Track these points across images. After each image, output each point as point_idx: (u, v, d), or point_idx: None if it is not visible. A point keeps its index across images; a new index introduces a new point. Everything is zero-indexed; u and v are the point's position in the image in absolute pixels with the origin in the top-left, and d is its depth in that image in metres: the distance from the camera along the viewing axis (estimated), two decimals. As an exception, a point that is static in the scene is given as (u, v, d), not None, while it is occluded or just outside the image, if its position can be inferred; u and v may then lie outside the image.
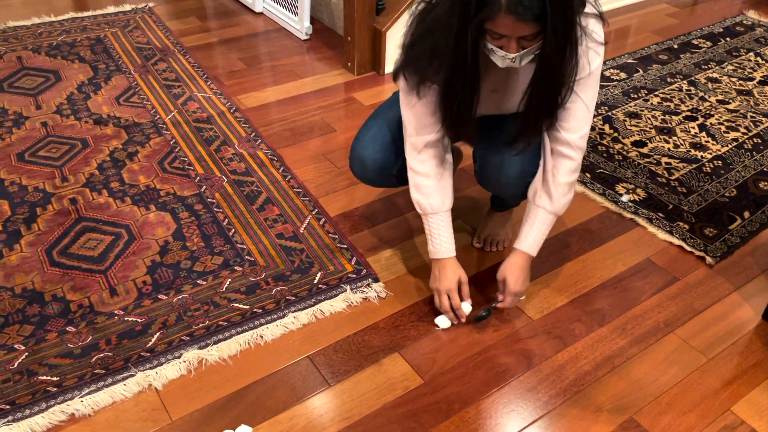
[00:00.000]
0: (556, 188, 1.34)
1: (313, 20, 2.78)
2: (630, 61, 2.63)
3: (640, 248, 1.71)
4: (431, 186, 1.39)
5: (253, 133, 2.08)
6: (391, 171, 1.49)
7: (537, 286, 1.58)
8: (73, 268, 1.55)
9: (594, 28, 1.19)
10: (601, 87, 2.42)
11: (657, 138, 2.14)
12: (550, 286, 1.58)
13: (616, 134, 2.15)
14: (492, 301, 1.48)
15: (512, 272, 1.40)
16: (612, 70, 2.55)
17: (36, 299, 1.46)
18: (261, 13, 2.93)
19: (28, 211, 1.71)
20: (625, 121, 2.22)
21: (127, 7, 2.92)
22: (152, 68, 2.43)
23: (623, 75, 2.52)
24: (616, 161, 2.02)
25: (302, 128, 2.15)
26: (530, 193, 1.40)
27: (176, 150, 1.98)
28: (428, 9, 1.18)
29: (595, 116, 2.24)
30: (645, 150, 2.07)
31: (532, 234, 1.39)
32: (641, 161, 2.02)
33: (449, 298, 1.43)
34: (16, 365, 1.31)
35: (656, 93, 2.40)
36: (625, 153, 2.06)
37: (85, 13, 2.85)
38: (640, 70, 2.57)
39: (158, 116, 2.14)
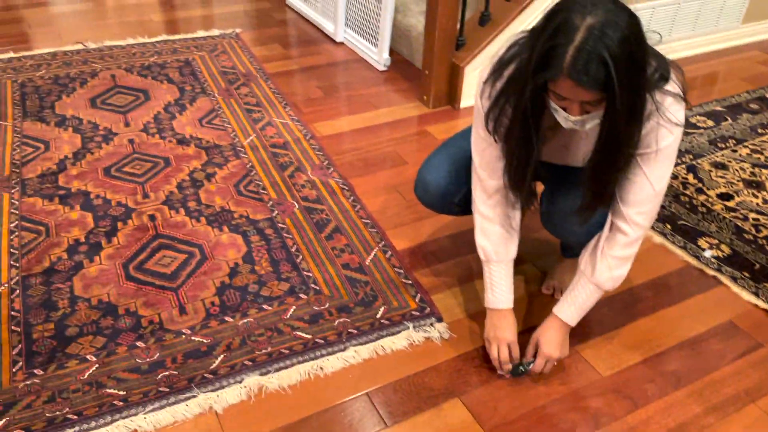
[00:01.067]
0: (603, 259, 1.29)
1: (391, 52, 2.82)
2: (718, 108, 2.53)
3: (721, 309, 1.62)
4: (498, 233, 1.37)
5: (327, 161, 2.11)
6: (452, 198, 1.49)
7: (607, 341, 1.51)
8: (147, 283, 1.60)
9: (671, 107, 1.15)
10: (687, 134, 2.33)
11: (745, 191, 2.03)
12: (622, 342, 1.51)
13: (700, 185, 2.05)
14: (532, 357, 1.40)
15: (546, 335, 1.36)
16: (698, 117, 2.45)
17: (110, 312, 1.51)
18: (341, 43, 3.00)
19: (110, 225, 1.79)
20: (711, 171, 2.13)
21: (216, 32, 3.05)
22: (235, 92, 2.51)
23: (710, 123, 2.42)
24: (699, 213, 1.92)
25: (374, 159, 2.16)
26: (579, 262, 1.35)
27: (252, 173, 2.03)
28: (510, 58, 1.18)
29: (678, 164, 2.15)
30: (731, 203, 1.97)
31: (570, 300, 1.35)
32: (727, 215, 1.92)
33: (508, 349, 1.38)
34: (86, 376, 1.36)
35: (745, 144, 2.29)
36: (709, 205, 1.96)
37: (177, 36, 2.99)
38: (729, 118, 2.46)
39: (237, 139, 2.21)
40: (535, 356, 1.38)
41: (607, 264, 1.29)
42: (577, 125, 1.12)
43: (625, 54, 0.98)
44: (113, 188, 1.94)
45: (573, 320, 1.36)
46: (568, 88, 1.04)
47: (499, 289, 1.39)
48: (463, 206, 1.50)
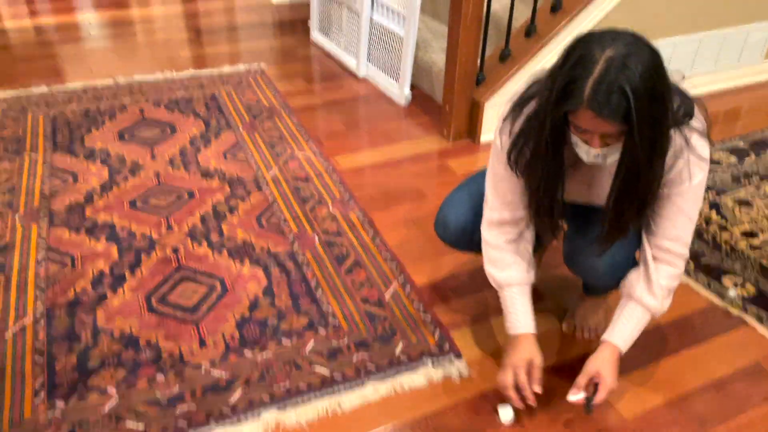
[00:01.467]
0: (659, 290, 1.29)
1: (412, 87, 2.85)
2: (741, 144, 2.51)
3: (747, 350, 1.58)
4: (506, 259, 1.37)
5: (348, 195, 2.13)
6: (472, 236, 1.48)
7: (630, 382, 1.48)
8: (169, 316, 1.62)
9: (697, 143, 1.16)
10: (709, 170, 2.30)
11: (770, 229, 2.00)
12: (645, 383, 1.48)
13: (724, 222, 2.03)
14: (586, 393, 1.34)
15: (607, 367, 1.31)
16: (721, 153, 2.43)
17: (131, 344, 1.53)
18: (364, 78, 3.04)
19: (134, 257, 1.82)
20: (735, 208, 2.10)
21: (242, 68, 3.12)
22: (259, 126, 2.56)
23: (733, 159, 2.40)
24: (723, 251, 1.90)
25: (394, 193, 2.18)
26: (628, 290, 1.33)
27: (274, 207, 2.06)
28: (529, 96, 1.19)
29: (700, 201, 2.13)
30: (756, 242, 1.94)
31: (627, 328, 1.32)
32: (751, 253, 1.89)
33: (526, 370, 1.33)
34: (106, 409, 1.37)
35: (770, 180, 2.26)
36: (733, 243, 1.93)
37: (204, 71, 3.07)
38: (752, 154, 2.43)
39: (260, 173, 2.24)
40: (589, 387, 1.33)
41: (662, 293, 1.30)
42: (598, 159, 1.12)
43: (645, 86, 0.99)
44: (138, 220, 1.97)
45: (626, 346, 1.33)
46: (588, 120, 1.04)
47: (514, 314, 1.37)
48: None
